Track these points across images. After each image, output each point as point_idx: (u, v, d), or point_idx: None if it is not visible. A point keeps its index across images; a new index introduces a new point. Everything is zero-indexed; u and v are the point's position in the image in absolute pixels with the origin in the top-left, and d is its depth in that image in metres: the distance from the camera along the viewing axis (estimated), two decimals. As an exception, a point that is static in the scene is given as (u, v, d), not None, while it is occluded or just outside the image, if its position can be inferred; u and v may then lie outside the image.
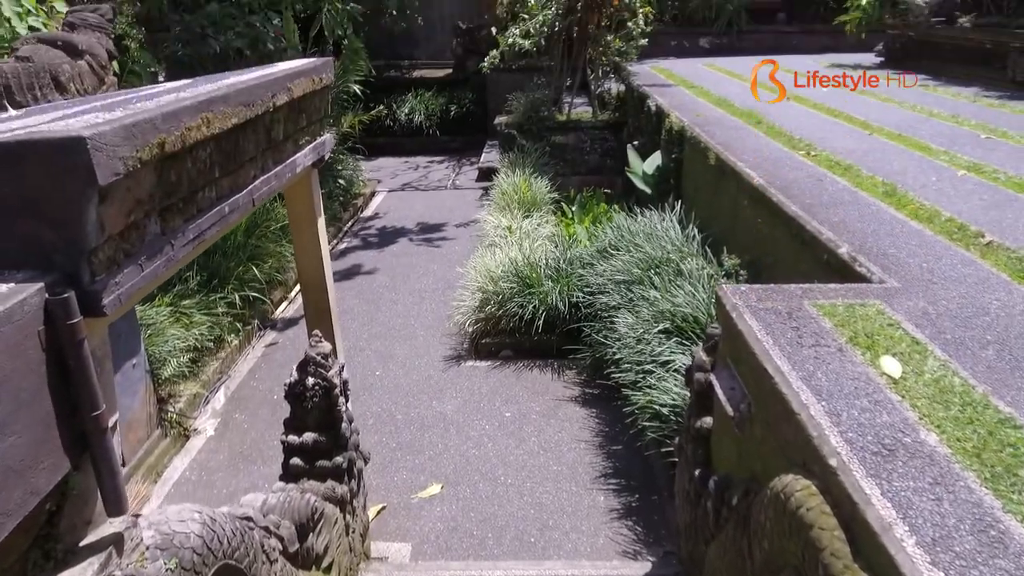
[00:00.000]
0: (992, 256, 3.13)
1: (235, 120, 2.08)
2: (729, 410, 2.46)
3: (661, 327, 4.35)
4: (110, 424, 1.61)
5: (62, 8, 5.53)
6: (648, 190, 7.39)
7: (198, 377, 5.36)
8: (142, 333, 4.69)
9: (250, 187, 2.33)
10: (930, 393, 2.05)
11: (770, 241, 4.27)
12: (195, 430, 5.03)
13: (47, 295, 1.41)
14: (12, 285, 1.39)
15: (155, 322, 5.01)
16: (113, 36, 4.39)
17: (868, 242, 3.32)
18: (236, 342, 6.00)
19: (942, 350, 2.32)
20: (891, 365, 2.18)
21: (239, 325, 6.08)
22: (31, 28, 4.76)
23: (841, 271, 3.20)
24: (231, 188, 2.21)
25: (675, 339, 4.24)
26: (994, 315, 2.58)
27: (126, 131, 1.52)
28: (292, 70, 2.67)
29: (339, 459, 3.10)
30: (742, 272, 4.52)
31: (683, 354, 4.11)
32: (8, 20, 4.91)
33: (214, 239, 2.16)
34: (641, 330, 4.42)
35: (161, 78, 7.84)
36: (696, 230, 5.53)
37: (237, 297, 6.04)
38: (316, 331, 3.11)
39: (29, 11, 5.11)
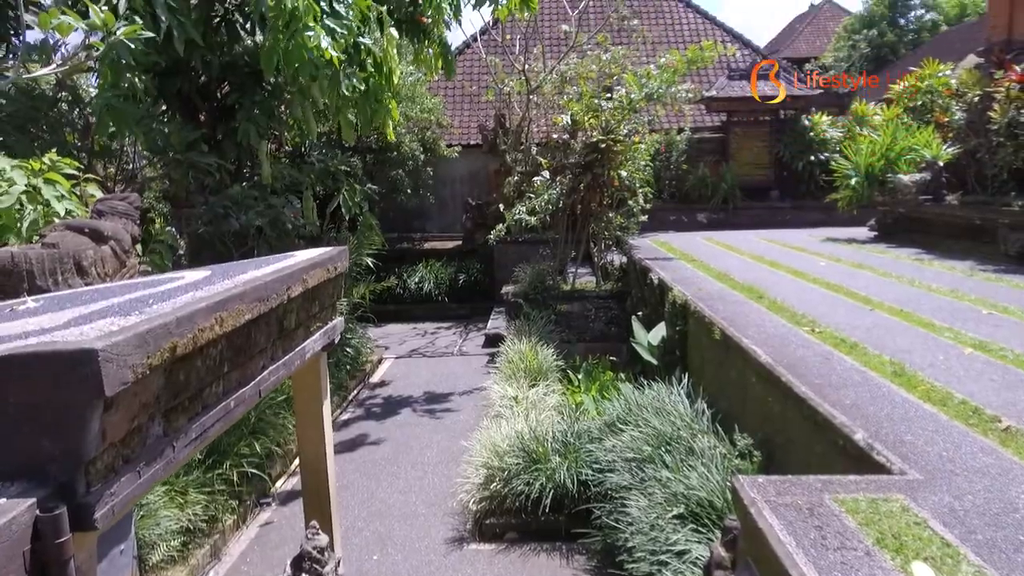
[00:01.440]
0: (1012, 443, 3.04)
1: (249, 316, 2.12)
2: (754, 619, 2.29)
3: (675, 512, 4.16)
4: (86, 649, 1.49)
5: (95, 192, 5.88)
6: (654, 361, 7.40)
7: (187, 561, 5.07)
8: (134, 515, 4.50)
9: (258, 379, 2.33)
10: (970, 607, 1.91)
11: (781, 420, 4.19)
12: (178, 622, 4.69)
13: (38, 511, 1.36)
14: (2, 502, 1.34)
15: (148, 503, 4.82)
16: (139, 221, 4.60)
17: (883, 428, 3.25)
18: (230, 521, 5.74)
19: (975, 553, 2.18)
20: (924, 573, 2.04)
21: (234, 503, 5.86)
22: (67, 212, 5.03)
23: (858, 458, 3.11)
24: (239, 381, 2.21)
25: (691, 525, 4.03)
26: (1023, 512, 2.46)
27: (139, 339, 1.54)
28: (308, 261, 2.77)
29: (330, 668, 2.85)
30: (756, 453, 4.39)
31: (699, 543, 3.89)
32: (47, 202, 5.21)
33: (216, 435, 2.12)
34: (654, 515, 4.22)
35: (181, 251, 8.17)
36: (705, 404, 5.45)
37: (235, 473, 5.86)
38: (313, 522, 2.97)
39: (63, 196, 5.43)
